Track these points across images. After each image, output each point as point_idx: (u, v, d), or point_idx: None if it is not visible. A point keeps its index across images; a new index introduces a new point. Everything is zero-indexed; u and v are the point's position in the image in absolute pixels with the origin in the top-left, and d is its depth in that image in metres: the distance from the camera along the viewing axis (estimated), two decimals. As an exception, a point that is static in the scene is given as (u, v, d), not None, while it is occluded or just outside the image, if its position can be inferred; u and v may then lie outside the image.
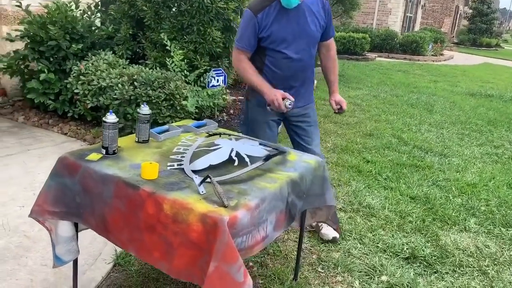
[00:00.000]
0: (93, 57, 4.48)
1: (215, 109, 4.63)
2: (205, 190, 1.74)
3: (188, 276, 1.66)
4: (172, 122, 3.86)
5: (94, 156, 1.95)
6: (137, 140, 2.18)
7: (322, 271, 2.59)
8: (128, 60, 4.65)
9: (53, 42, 4.47)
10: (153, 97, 3.78)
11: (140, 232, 1.75)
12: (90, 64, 4.30)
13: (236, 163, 1.97)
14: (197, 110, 4.20)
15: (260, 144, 2.24)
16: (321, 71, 2.82)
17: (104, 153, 1.98)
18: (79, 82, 4.23)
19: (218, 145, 2.10)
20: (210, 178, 1.70)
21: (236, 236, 1.64)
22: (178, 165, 1.95)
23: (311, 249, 2.79)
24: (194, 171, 1.89)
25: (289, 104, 2.40)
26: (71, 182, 1.91)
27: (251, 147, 2.12)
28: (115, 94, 3.81)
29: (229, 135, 2.29)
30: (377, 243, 2.93)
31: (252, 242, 1.75)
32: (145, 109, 2.15)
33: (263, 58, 2.56)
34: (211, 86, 4.52)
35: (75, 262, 2.14)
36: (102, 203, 1.84)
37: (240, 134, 2.41)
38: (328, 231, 2.87)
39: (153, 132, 2.25)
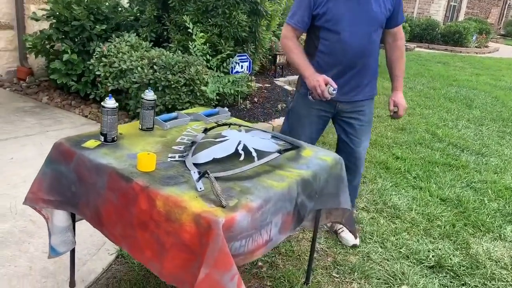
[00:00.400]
0: (116, 38, 4.38)
1: (238, 97, 4.46)
2: (204, 186, 1.58)
3: (179, 281, 1.52)
4: (191, 108, 3.74)
5: (91, 143, 1.83)
6: (140, 127, 2.04)
7: (337, 276, 2.40)
8: (152, 43, 4.54)
9: (77, 23, 4.40)
10: (172, 82, 3.64)
11: (133, 228, 1.62)
12: (113, 46, 4.21)
13: (242, 158, 1.80)
14: (218, 97, 4.04)
15: (272, 137, 2.06)
16: None
17: (103, 140, 1.85)
18: (101, 64, 4.15)
19: (225, 136, 1.93)
20: (208, 174, 1.54)
21: (233, 240, 1.48)
22: (180, 157, 1.79)
23: (326, 251, 2.61)
24: (196, 165, 1.73)
25: (333, 90, 2.19)
26: (66, 169, 1.80)
27: (261, 140, 1.94)
28: (134, 78, 3.70)
29: (239, 125, 2.11)
30: (400, 248, 2.71)
31: (253, 247, 1.58)
32: (149, 94, 2.00)
33: (316, 42, 2.35)
34: (234, 72, 4.34)
35: (73, 253, 2.04)
36: (96, 194, 1.71)
37: (251, 125, 2.23)
38: (348, 236, 2.66)
39: (158, 120, 2.10)
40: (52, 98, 4.75)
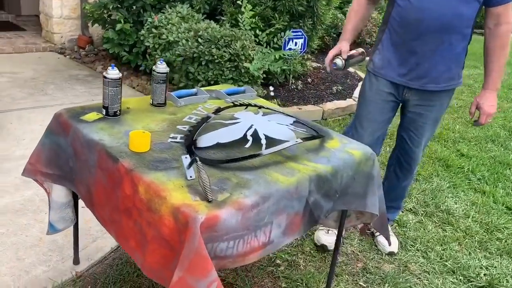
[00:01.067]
0: (169, 9, 4.26)
1: (290, 76, 4.18)
2: (197, 175, 1.37)
3: (159, 278, 1.34)
4: (235, 85, 3.54)
5: (91, 116, 1.69)
6: (151, 103, 1.87)
7: (364, 285, 2.12)
8: (205, 15, 4.37)
9: (132, -8, 4.33)
10: (216, 57, 3.45)
11: (119, 213, 1.46)
12: (164, 17, 4.09)
13: (248, 144, 1.56)
14: (266, 75, 3.80)
15: (295, 122, 1.80)
16: None
17: (104, 113, 1.70)
18: (151, 35, 4.06)
19: (236, 119, 1.70)
20: (196, 161, 1.33)
21: (217, 241, 1.26)
22: (181, 138, 1.60)
23: (358, 255, 2.32)
24: (197, 149, 1.53)
25: (334, 66, 2.01)
26: (64, 142, 1.67)
27: (277, 126, 1.68)
28: (178, 50, 3.56)
29: (260, 107, 1.87)
30: (446, 261, 2.35)
31: (245, 249, 1.35)
32: (161, 66, 1.81)
33: (390, 7, 2.03)
34: (287, 49, 4.06)
35: (76, 230, 1.95)
36: (88, 172, 1.57)
37: (277, 108, 1.98)
38: (386, 241, 2.35)
39: (172, 95, 1.92)
40: (106, 68, 4.77)
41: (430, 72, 1.97)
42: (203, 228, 1.20)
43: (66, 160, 1.69)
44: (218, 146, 1.56)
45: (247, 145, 1.55)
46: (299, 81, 4.33)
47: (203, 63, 3.51)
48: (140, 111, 1.80)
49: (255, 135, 1.60)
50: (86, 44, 5.31)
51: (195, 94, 2.02)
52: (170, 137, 1.60)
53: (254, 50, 3.61)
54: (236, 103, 1.87)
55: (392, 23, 2.00)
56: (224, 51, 3.48)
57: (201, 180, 1.28)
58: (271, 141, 1.58)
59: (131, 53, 4.47)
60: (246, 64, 3.40)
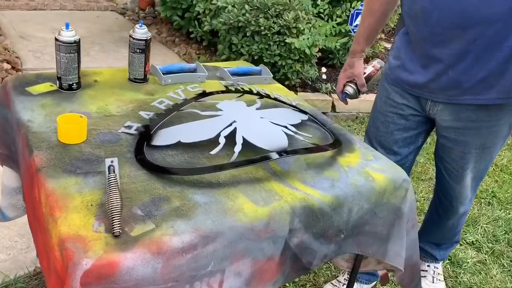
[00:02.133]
0: (227, -29, 3.81)
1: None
2: (130, 186, 0.96)
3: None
4: (282, 63, 3.05)
5: (41, 87, 1.33)
6: (128, 77, 1.47)
7: None
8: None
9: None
10: (263, 27, 2.97)
11: (34, 221, 1.10)
12: (218, -21, 3.66)
13: (216, 150, 1.11)
14: (319, 54, 3.26)
15: (304, 121, 1.31)
16: None
17: (58, 86, 1.34)
18: (203, -1, 3.66)
19: (218, 110, 1.25)
20: (109, 170, 0.91)
21: (121, 294, 0.85)
22: (137, 129, 1.19)
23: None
24: (151, 146, 1.12)
25: (351, 90, 1.56)
26: (10, 117, 1.35)
27: (268, 126, 1.21)
28: (223, 18, 3.13)
29: (263, 96, 1.39)
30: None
31: (174, 308, 0.93)
32: (139, 31, 1.40)
33: None
34: (354, 26, 3.46)
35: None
36: (20, 157, 1.23)
37: (292, 98, 1.49)
38: None
39: (157, 69, 1.51)
40: (160, 32, 4.49)
41: (459, 80, 1.33)
42: (91, 279, 0.80)
43: (13, 138, 1.36)
44: (180, 146, 1.13)
45: (214, 151, 1.10)
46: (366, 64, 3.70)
47: (248, 34, 3.06)
48: (109, 87, 1.41)
49: (232, 136, 1.14)
50: (147, 6, 5.06)
51: (193, 70, 1.60)
52: (124, 126, 1.20)
53: (310, 23, 3.07)
54: (231, 88, 1.41)
55: (406, 18, 1.41)
56: (274, 22, 2.99)
57: (107, 201, 0.86)
58: (248, 149, 1.12)
59: (184, 18, 4.12)
60: (290, 40, 2.88)
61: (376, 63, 1.60)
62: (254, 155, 1.10)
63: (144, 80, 1.46)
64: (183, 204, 0.96)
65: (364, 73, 1.55)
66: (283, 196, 1.04)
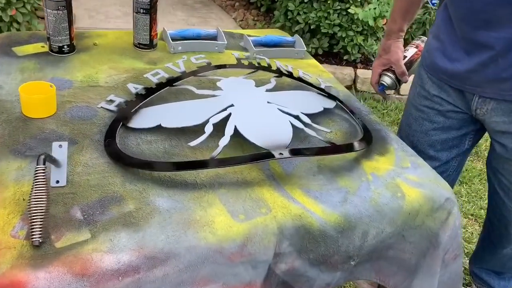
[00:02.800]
0: None
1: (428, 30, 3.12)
2: (73, 178, 0.78)
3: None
4: (342, 35, 2.72)
5: (31, 47, 1.18)
6: (133, 42, 1.28)
7: None
8: None
9: None
10: (322, -7, 2.64)
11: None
12: None
13: (199, 141, 0.88)
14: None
15: (327, 110, 1.04)
16: None
17: (48, 48, 1.17)
18: (265, -41, 3.36)
19: (216, 89, 1.01)
20: (38, 160, 0.71)
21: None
22: (118, 105, 0.99)
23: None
24: (129, 128, 0.92)
25: (389, 80, 1.24)
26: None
27: (273, 115, 0.95)
28: (279, -20, 2.83)
29: (280, 74, 1.13)
30: None
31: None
32: (144, -12, 1.19)
33: None
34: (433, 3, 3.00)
35: None
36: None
37: (327, 78, 1.21)
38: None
39: (167, 35, 1.29)
40: (223, -5, 4.27)
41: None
42: (-7, 297, 0.63)
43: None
44: (163, 131, 0.92)
45: (195, 142, 0.87)
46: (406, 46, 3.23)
47: (305, 0, 2.74)
48: (108, 51, 1.23)
49: (222, 125, 0.90)
50: (212, -33, 4.84)
51: (213, 37, 1.36)
52: (106, 101, 1.01)
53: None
54: (244, 61, 1.16)
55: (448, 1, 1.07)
56: (336, -13, 2.64)
57: (29, 203, 0.68)
58: (238, 143, 0.88)
59: (245, -20, 3.85)
60: (353, 9, 2.52)
61: (420, 42, 1.26)
62: (243, 151, 0.87)
63: (150, 46, 1.26)
64: (137, 209, 0.75)
65: (404, 57, 1.23)
66: (273, 209, 0.80)
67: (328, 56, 2.96)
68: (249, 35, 1.40)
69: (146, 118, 0.94)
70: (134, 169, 0.83)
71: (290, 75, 1.15)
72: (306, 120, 0.95)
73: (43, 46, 1.18)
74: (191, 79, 1.07)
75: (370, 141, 1.00)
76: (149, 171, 0.83)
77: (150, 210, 0.75)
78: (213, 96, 0.98)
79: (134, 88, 1.04)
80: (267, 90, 1.03)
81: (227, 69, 1.11)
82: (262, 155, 0.82)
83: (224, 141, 0.85)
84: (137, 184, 0.80)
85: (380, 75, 1.24)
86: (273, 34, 1.45)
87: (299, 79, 1.15)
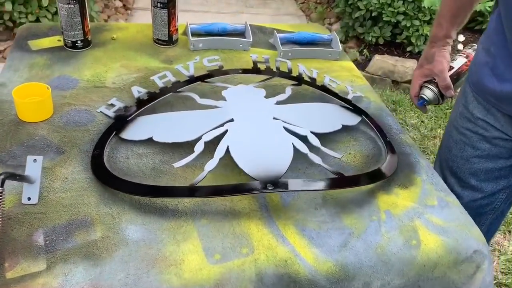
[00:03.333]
0: None
1: None
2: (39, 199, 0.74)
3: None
4: (406, 24, 2.48)
5: (46, 41, 1.15)
6: (153, 37, 1.20)
7: None
8: None
9: None
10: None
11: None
12: None
13: (183, 163, 0.78)
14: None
15: (348, 127, 0.91)
16: None
17: (63, 42, 1.13)
18: None
19: (221, 100, 0.91)
20: (3, 183, 0.66)
21: None
22: (117, 111, 0.93)
23: None
24: (123, 140, 0.86)
25: (430, 94, 1.06)
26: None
27: (276, 134, 0.83)
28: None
29: (300, 82, 1.00)
30: None
31: None
32: (161, -20, 1.11)
33: None
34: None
35: None
36: None
37: (346, 86, 1.06)
38: None
39: (188, 30, 1.20)
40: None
41: None
42: None
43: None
44: (154, 143, 0.85)
45: (180, 163, 0.78)
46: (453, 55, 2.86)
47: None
48: (124, 47, 1.17)
49: (215, 144, 0.80)
50: None
51: (241, 33, 1.26)
52: (107, 105, 0.95)
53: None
54: (262, 66, 1.04)
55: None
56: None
57: (-20, 227, 0.63)
58: (227, 167, 0.78)
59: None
60: (420, -5, 2.27)
61: (471, 51, 1.06)
62: (233, 176, 0.77)
63: (170, 42, 1.18)
64: (104, 238, 0.69)
65: (451, 68, 1.04)
66: (256, 249, 0.70)
67: (390, 46, 2.73)
68: (280, 31, 1.28)
69: (139, 128, 0.87)
70: (112, 189, 0.76)
71: (312, 82, 1.02)
72: (315, 142, 0.83)
73: (59, 40, 1.15)
74: (197, 85, 0.98)
75: (393, 169, 0.85)
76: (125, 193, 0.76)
77: (117, 240, 0.68)
78: (215, 107, 0.89)
79: (138, 92, 0.97)
80: (277, 103, 0.91)
81: (241, 74, 1.01)
82: (245, 188, 0.72)
83: (211, 165, 0.75)
84: (112, 207, 0.74)
85: (421, 88, 1.06)
86: (309, 30, 1.31)
87: (323, 87, 1.02)
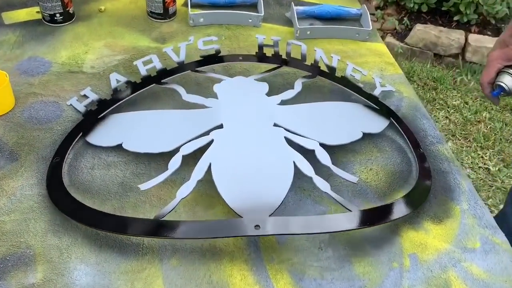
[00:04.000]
0: None
1: None
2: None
3: None
4: (464, 18, 2.17)
5: (22, 13, 0.99)
6: (146, 9, 1.02)
7: None
8: None
9: None
10: None
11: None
12: None
13: (150, 185, 0.61)
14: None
15: (369, 135, 0.72)
16: None
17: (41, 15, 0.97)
18: None
19: (210, 97, 0.73)
20: None
21: None
22: (88, 106, 0.77)
23: None
24: (89, 145, 0.70)
25: (506, 86, 0.79)
26: None
27: (274, 150, 0.65)
28: None
29: (314, 74, 0.81)
30: None
31: None
32: None
33: None
34: None
35: None
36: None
37: (373, 78, 0.86)
38: None
39: (189, 1, 1.01)
40: None
41: None
42: None
43: None
44: (124, 150, 0.69)
45: (146, 186, 0.61)
46: None
47: None
48: (112, 21, 0.99)
49: (196, 159, 0.63)
50: None
51: (252, 4, 1.06)
52: (79, 96, 0.79)
53: None
54: (268, 50, 0.85)
55: None
56: None
57: None
58: (209, 193, 0.61)
59: None
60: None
61: None
62: (213, 206, 0.60)
63: (165, 15, 1.00)
64: (44, 282, 0.54)
65: None
66: (237, 307, 0.54)
67: (434, 14, 2.42)
68: (300, 2, 1.07)
69: (109, 131, 0.71)
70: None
71: (330, 73, 0.82)
72: (324, 159, 0.64)
73: (38, 12, 0.98)
74: (187, 74, 0.80)
75: (425, 195, 0.67)
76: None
77: (60, 285, 0.54)
78: (203, 106, 0.71)
79: (116, 80, 0.80)
80: (281, 102, 0.72)
81: (241, 62, 0.82)
82: (225, 229, 0.55)
83: (185, 190, 0.59)
84: (63, 237, 0.59)
85: (498, 73, 0.83)
86: (335, 1, 1.09)
87: (343, 80, 0.82)
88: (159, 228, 0.56)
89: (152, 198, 0.65)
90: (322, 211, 0.65)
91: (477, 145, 1.87)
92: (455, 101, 2.10)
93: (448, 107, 2.06)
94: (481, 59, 2.26)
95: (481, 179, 1.73)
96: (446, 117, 2.01)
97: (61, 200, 0.62)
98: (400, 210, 0.62)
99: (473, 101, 2.10)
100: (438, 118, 2.00)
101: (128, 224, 0.57)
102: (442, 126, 1.96)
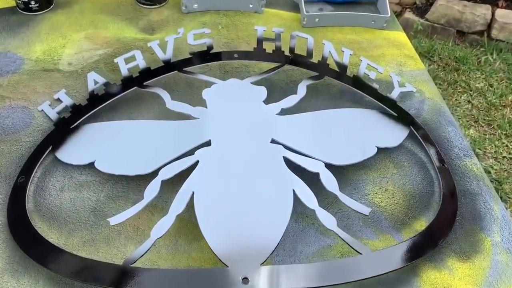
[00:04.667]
0: None
1: None
2: None
3: None
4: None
5: (-4, 0, 0.88)
6: (135, -7, 0.91)
7: None
8: None
9: None
10: None
11: None
12: None
13: (122, 219, 0.52)
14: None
15: (383, 150, 0.61)
16: None
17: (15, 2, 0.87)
18: None
19: (200, 105, 0.63)
20: None
21: None
22: (61, 111, 0.67)
23: None
24: (56, 158, 0.61)
25: None
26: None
27: (269, 176, 0.55)
28: None
29: (321, 74, 0.69)
30: None
31: None
32: None
33: None
34: None
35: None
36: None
37: (391, 76, 0.74)
38: None
39: (179, -16, 0.89)
40: None
41: None
42: None
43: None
44: (95, 171, 0.59)
45: (116, 220, 0.51)
46: None
47: None
48: (95, 9, 0.88)
49: (175, 183, 0.54)
50: None
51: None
52: (52, 100, 0.70)
53: None
54: (269, 45, 0.73)
55: None
56: None
57: None
58: (188, 231, 0.52)
59: None
60: None
61: None
62: (194, 249, 0.51)
63: (155, 1, 0.88)
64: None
65: None
66: None
67: (459, -13, 2.24)
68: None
69: (82, 145, 0.61)
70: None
71: (340, 72, 0.71)
72: (330, 184, 0.54)
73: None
74: (172, 76, 0.69)
75: (449, 225, 0.56)
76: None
77: None
78: (189, 117, 0.61)
79: (94, 82, 0.70)
80: (281, 111, 0.62)
81: (238, 60, 0.71)
82: (208, 280, 0.45)
83: (161, 228, 0.49)
84: (21, 279, 0.50)
85: None
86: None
87: (355, 80, 0.71)
88: (127, 277, 0.46)
89: (128, 228, 0.56)
90: (327, 245, 0.55)
91: (502, 133, 1.73)
92: (479, 83, 1.95)
93: (471, 90, 1.91)
94: (509, 36, 2.09)
95: (505, 170, 1.61)
96: (469, 101, 1.86)
97: (21, 232, 0.53)
98: (420, 248, 0.52)
99: (498, 83, 1.95)
100: (460, 103, 1.86)
101: (92, 270, 0.48)
102: (464, 111, 1.82)
